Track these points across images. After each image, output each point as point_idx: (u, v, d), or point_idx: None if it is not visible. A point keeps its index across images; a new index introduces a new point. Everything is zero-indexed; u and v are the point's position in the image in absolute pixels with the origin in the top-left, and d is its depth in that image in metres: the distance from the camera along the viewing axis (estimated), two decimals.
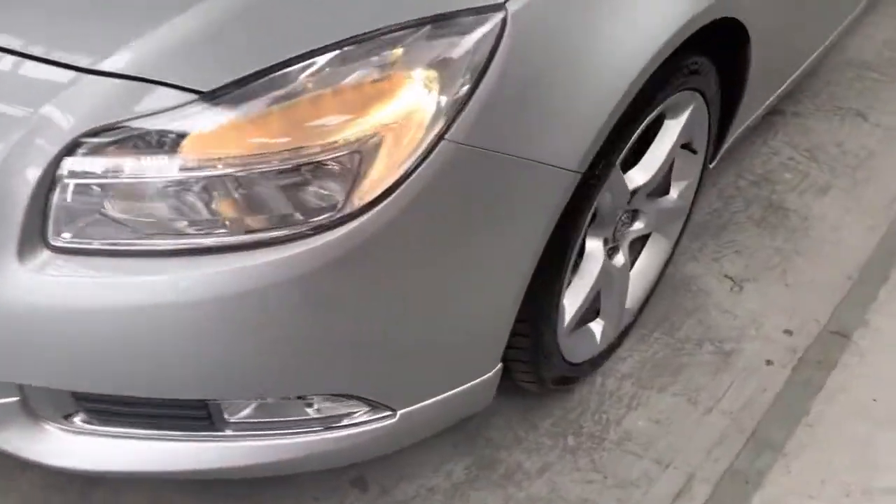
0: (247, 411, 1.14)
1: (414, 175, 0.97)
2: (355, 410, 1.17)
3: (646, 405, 1.61)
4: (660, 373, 1.67)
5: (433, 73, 0.97)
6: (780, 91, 2.01)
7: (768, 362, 1.70)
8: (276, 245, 0.96)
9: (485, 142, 1.02)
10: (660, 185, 1.64)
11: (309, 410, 1.17)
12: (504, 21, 1.01)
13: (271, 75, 0.92)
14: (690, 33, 1.23)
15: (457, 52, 0.98)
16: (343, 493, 1.43)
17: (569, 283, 1.41)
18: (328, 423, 1.17)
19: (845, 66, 2.65)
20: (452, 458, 1.50)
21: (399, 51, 0.97)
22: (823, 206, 2.10)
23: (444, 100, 0.98)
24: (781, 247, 1.98)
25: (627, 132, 1.24)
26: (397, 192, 0.96)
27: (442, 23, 0.98)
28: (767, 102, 1.98)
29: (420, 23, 0.98)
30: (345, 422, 1.17)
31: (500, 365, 1.28)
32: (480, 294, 1.14)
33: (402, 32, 0.98)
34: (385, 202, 0.96)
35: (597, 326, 1.60)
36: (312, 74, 0.93)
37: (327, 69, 0.94)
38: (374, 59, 0.96)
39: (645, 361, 1.69)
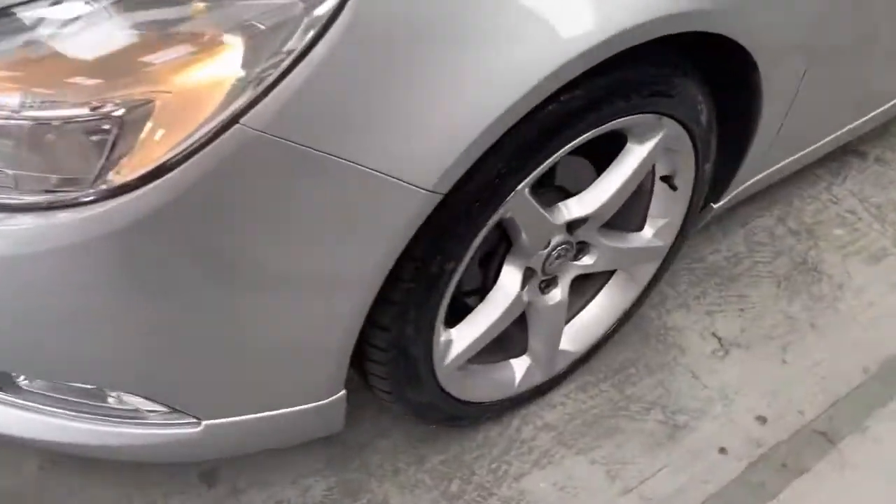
0: (41, 382, 1.05)
1: (194, 158, 0.81)
2: (157, 409, 1.05)
3: (557, 465, 1.39)
4: (588, 432, 1.44)
5: (237, 40, 0.81)
6: (834, 136, 1.67)
7: (722, 450, 1.43)
8: (33, 211, 0.84)
9: (302, 136, 0.83)
10: (630, 219, 1.40)
11: (110, 399, 1.06)
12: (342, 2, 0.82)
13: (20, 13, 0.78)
14: (626, 46, 0.97)
15: (272, 21, 0.81)
16: (188, 483, 1.33)
17: (467, 311, 1.22)
18: (127, 416, 1.05)
19: None
20: (318, 473, 1.35)
21: (202, 5, 0.81)
22: (867, 277, 1.74)
23: (245, 75, 0.80)
24: (796, 315, 1.66)
25: (536, 153, 1.02)
26: (172, 173, 0.81)
27: None
28: (816, 146, 1.65)
29: None
30: (147, 419, 1.06)
31: (342, 392, 1.11)
32: (300, 311, 0.96)
33: None
34: (155, 183, 0.81)
35: (519, 365, 1.39)
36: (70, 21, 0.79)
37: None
38: (167, 9, 0.80)
39: (576, 415, 1.46)
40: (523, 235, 1.15)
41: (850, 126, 1.69)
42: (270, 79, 0.81)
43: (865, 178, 1.99)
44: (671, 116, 1.18)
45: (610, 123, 1.09)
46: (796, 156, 1.58)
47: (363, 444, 1.39)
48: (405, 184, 0.90)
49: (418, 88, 0.86)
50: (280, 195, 0.87)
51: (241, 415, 1.06)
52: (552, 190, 1.25)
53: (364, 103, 0.85)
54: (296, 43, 0.81)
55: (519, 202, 1.07)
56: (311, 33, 0.81)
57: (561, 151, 1.05)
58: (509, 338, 1.38)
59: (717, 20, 1.09)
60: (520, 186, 1.04)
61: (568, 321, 1.45)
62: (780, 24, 1.20)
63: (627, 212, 1.40)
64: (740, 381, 1.52)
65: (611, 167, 1.22)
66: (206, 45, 0.80)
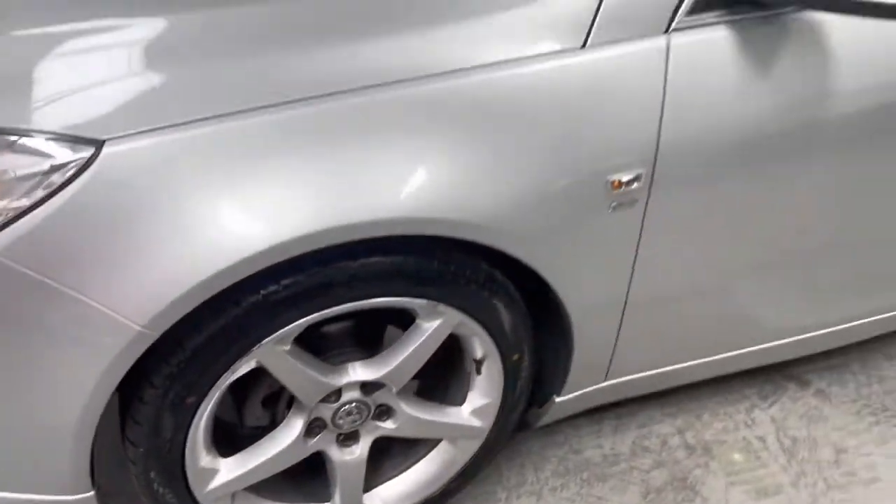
0: None
1: None
2: None
3: None
4: None
5: None
6: (694, 363, 1.59)
7: None
8: None
9: (34, 265, 1.01)
10: (453, 393, 1.44)
11: None
12: (94, 157, 1.00)
13: None
14: (344, 240, 1.07)
15: (24, 169, 1.00)
16: None
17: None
18: None
19: None
20: None
21: None
22: None
23: None
24: None
25: (277, 316, 1.13)
26: None
27: (25, 138, 1.01)
28: (670, 369, 1.58)
29: (8, 132, 1.01)
30: None
31: (91, 493, 1.22)
32: (32, 407, 1.11)
33: None
34: None
35: None
36: None
37: None
38: None
39: None
40: (287, 386, 1.24)
41: (713, 358, 1.61)
42: (12, 214, 1.00)
43: (795, 409, 1.87)
44: (454, 306, 1.25)
45: (372, 301, 1.19)
46: (648, 373, 1.55)
47: None
48: (120, 318, 1.04)
49: (141, 240, 1.03)
50: (9, 310, 1.04)
51: None
52: (350, 350, 1.34)
53: (94, 245, 1.03)
54: (39, 191, 1.00)
55: (270, 355, 1.18)
56: (53, 186, 1.00)
57: (309, 317, 1.15)
58: (314, 483, 1.45)
59: (483, 232, 1.16)
60: (265, 341, 1.15)
61: (385, 481, 1.49)
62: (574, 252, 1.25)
63: (451, 385, 1.46)
64: None
65: (400, 339, 1.30)
66: None
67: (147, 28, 1.18)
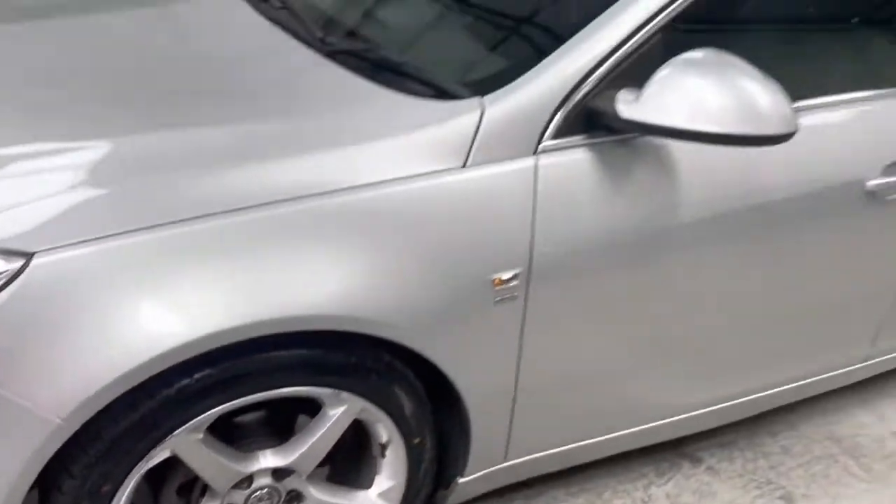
0: None
1: None
2: None
3: None
4: None
5: None
6: (588, 443, 1.73)
7: None
8: None
9: None
10: (361, 476, 1.55)
11: None
12: (24, 267, 1.13)
13: None
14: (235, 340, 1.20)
15: None
16: None
17: None
18: None
19: (824, 437, 2.20)
20: None
21: None
22: None
23: None
24: None
25: (187, 409, 1.24)
26: None
27: None
28: (567, 448, 1.71)
29: None
30: None
31: None
32: None
33: None
34: None
35: None
36: None
37: None
38: None
39: None
40: (200, 474, 1.34)
41: (607, 437, 1.76)
42: None
43: (688, 485, 2.02)
44: (357, 394, 1.38)
45: (280, 391, 1.31)
46: (546, 452, 1.69)
47: None
48: (41, 412, 1.14)
49: (63, 340, 1.14)
50: None
51: None
52: (262, 437, 1.44)
53: (20, 345, 1.14)
54: None
55: (183, 444, 1.28)
56: None
57: (220, 408, 1.27)
58: None
59: (376, 327, 1.31)
60: (179, 431, 1.26)
61: None
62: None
63: (362, 469, 1.56)
64: None
65: (307, 426, 1.41)
66: None
67: (79, 150, 1.32)
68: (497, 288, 1.39)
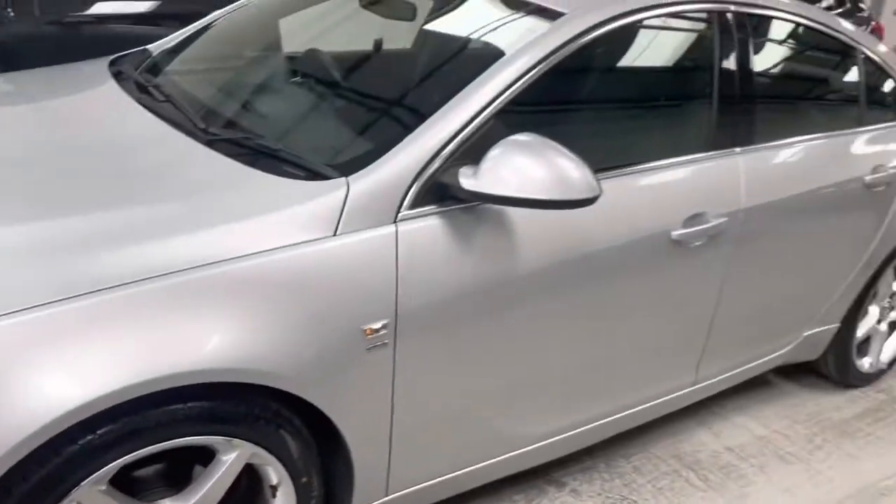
0: None
1: None
2: None
3: None
4: None
5: None
6: (449, 476, 1.95)
7: None
8: None
9: None
10: None
11: None
12: None
13: None
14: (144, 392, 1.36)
15: None
16: None
17: None
18: None
19: (670, 455, 2.54)
20: None
21: None
22: None
23: None
24: None
25: (89, 463, 1.37)
26: None
27: None
28: (438, 480, 1.92)
29: None
30: None
31: None
32: None
33: None
34: None
35: None
36: None
37: None
38: None
39: None
40: None
41: (477, 467, 1.99)
42: None
43: None
44: (247, 440, 1.55)
45: (177, 441, 1.46)
46: (423, 485, 1.90)
47: None
48: None
49: None
50: None
51: None
52: (162, 487, 1.58)
53: None
54: None
55: (88, 496, 1.41)
56: None
57: (121, 460, 1.41)
58: None
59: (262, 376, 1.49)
60: (83, 483, 1.38)
61: None
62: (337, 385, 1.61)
63: None
64: None
65: (203, 473, 1.57)
66: None
67: None
68: (369, 337, 1.61)
